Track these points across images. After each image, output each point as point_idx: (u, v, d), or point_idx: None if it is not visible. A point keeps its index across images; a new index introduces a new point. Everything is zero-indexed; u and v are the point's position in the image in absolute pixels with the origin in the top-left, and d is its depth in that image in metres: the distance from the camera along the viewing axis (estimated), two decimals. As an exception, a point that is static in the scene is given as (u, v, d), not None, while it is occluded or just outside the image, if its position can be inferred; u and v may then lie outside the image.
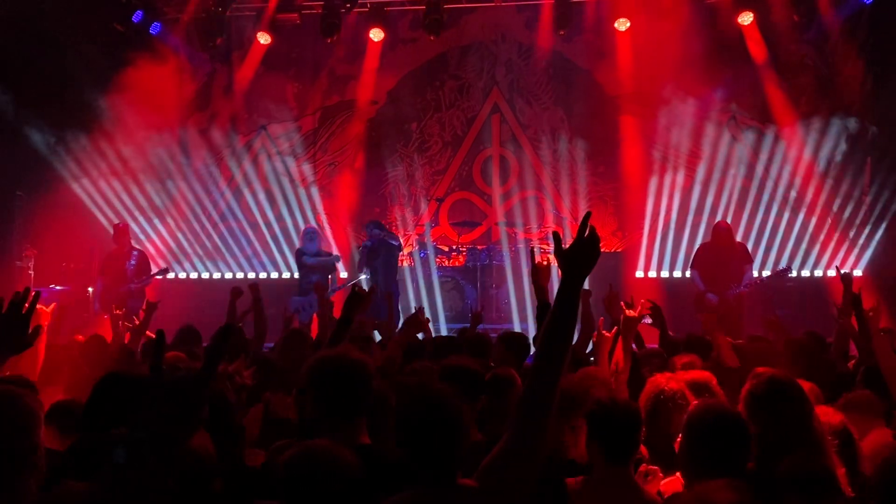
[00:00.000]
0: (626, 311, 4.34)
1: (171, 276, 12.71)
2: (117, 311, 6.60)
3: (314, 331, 9.65)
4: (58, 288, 11.41)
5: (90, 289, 11.53)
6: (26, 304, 2.58)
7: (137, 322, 6.14)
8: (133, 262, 10.35)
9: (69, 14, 10.76)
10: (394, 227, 13.23)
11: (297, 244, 11.86)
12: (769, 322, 6.73)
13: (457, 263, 12.31)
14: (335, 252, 12.16)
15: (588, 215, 2.53)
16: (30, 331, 2.60)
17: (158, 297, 10.75)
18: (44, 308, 4.75)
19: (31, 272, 11.08)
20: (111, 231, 12.43)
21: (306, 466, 2.30)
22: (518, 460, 2.27)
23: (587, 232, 2.45)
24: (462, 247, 12.45)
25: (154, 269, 10.73)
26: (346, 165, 13.32)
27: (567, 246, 2.46)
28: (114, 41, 12.14)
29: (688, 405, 3.34)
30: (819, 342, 5.47)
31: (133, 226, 12.70)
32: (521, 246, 12.41)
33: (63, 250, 11.91)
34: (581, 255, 2.43)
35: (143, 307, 6.65)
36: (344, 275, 12.35)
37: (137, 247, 11.10)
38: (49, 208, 11.54)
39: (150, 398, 1.84)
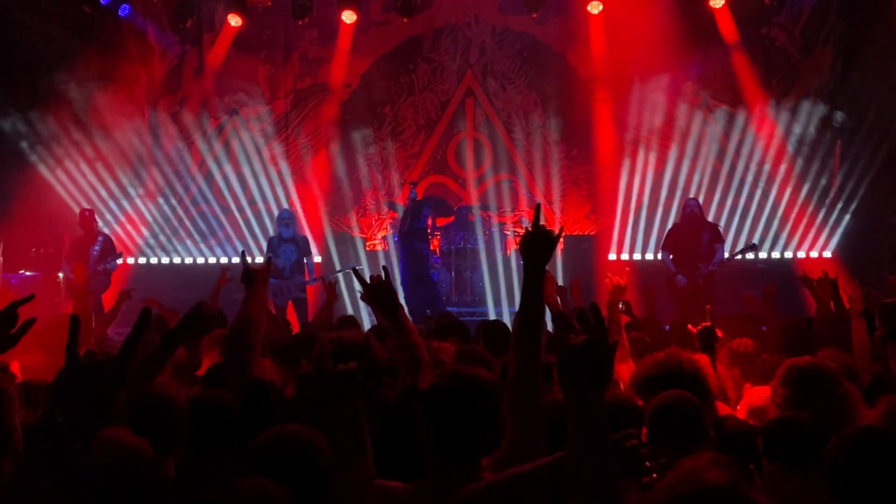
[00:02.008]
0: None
1: (142, 260, 12.63)
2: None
3: (291, 315, 9.68)
4: (28, 274, 11.29)
5: (60, 274, 11.42)
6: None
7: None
8: (97, 247, 10.24)
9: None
10: (367, 212, 13.21)
11: (272, 229, 11.79)
12: (765, 294, 6.68)
13: (431, 247, 12.30)
14: (308, 235, 12.06)
15: (538, 207, 2.74)
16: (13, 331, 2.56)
17: (129, 282, 10.77)
18: None
19: (0, 258, 10.93)
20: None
21: None
22: (522, 450, 2.30)
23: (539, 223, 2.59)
24: (436, 232, 12.45)
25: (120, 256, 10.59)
26: (320, 149, 13.24)
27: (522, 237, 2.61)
28: (82, 23, 11.96)
29: None
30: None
31: (104, 210, 12.59)
32: (495, 229, 12.43)
33: (33, 236, 11.77)
34: (537, 244, 2.57)
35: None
36: (318, 259, 12.30)
37: (104, 231, 10.98)
38: (18, 193, 11.40)
39: (64, 384, 1.80)
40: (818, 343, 4.50)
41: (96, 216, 10.90)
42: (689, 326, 4.42)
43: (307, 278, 10.25)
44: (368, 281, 3.41)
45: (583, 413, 1.79)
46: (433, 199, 11.58)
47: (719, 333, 4.46)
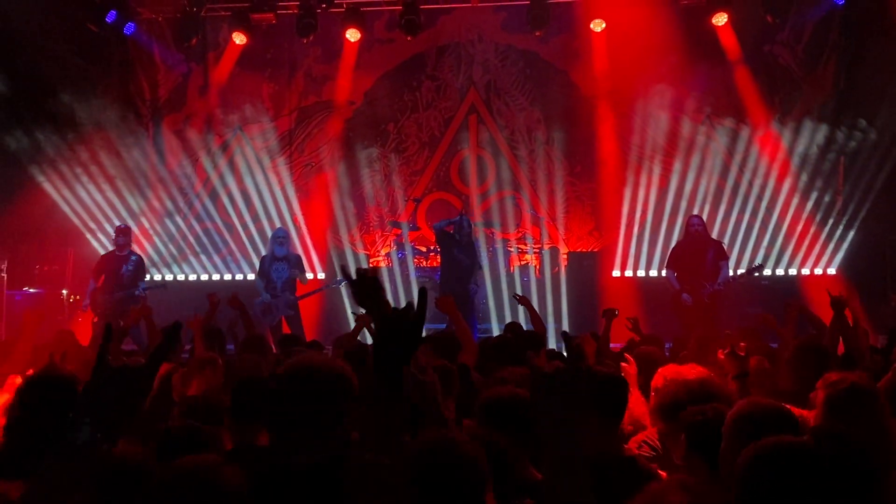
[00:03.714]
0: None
1: (146, 277, 12.62)
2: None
3: (286, 329, 9.68)
4: (31, 291, 11.30)
5: (64, 291, 11.45)
6: None
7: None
8: (130, 266, 10.05)
9: (42, 14, 10.65)
10: (371, 229, 13.22)
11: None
12: (788, 314, 6.53)
13: (435, 264, 12.28)
14: (312, 251, 12.07)
15: (424, 291, 2.00)
16: None
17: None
18: None
19: (4, 275, 10.95)
20: (85, 233, 12.39)
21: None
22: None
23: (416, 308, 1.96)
24: (439, 248, 12.44)
25: (147, 277, 10.46)
26: (323, 166, 13.28)
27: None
28: (88, 41, 12.03)
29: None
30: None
31: (108, 228, 12.61)
32: (499, 246, 12.43)
33: (37, 253, 11.79)
34: (400, 332, 1.93)
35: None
36: (322, 276, 12.32)
37: (137, 251, 10.78)
38: (23, 211, 11.43)
39: (93, 385, 1.86)
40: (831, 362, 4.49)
41: (132, 233, 10.75)
42: (720, 353, 4.35)
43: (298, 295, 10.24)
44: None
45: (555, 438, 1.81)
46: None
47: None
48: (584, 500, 1.78)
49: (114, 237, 10.38)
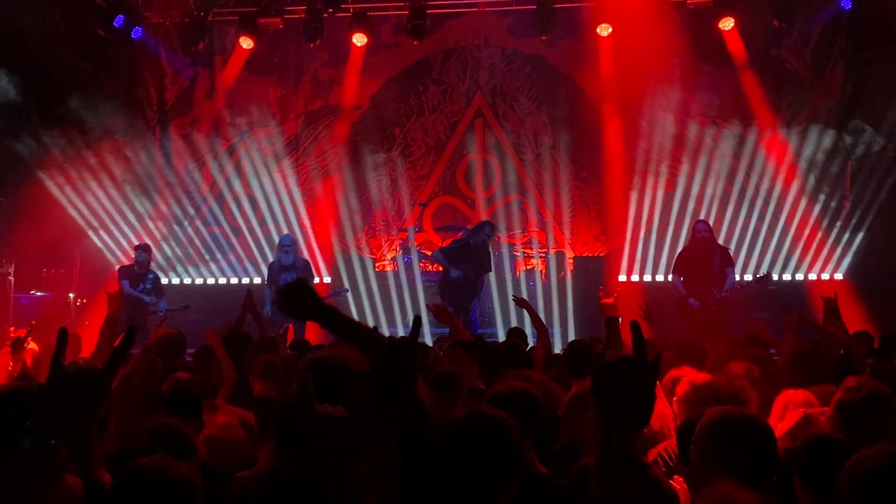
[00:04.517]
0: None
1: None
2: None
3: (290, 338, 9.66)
4: (38, 294, 11.34)
5: (71, 294, 11.49)
6: None
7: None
8: (148, 285, 10.27)
9: (50, 19, 10.68)
10: (377, 233, 13.23)
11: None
12: (787, 323, 6.50)
13: (441, 268, 12.30)
14: (318, 256, 12.05)
15: (418, 319, 2.10)
16: None
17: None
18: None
19: (12, 278, 10.98)
20: (92, 237, 12.42)
21: None
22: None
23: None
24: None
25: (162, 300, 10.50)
26: (330, 170, 13.30)
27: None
28: (95, 45, 12.07)
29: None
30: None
31: (114, 231, 12.67)
32: (505, 251, 12.43)
33: (44, 256, 11.82)
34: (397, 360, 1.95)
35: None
36: (328, 280, 12.33)
37: (154, 270, 10.92)
38: (30, 214, 11.46)
39: (47, 390, 1.87)
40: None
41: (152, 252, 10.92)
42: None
43: None
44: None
45: (611, 434, 1.73)
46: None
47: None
48: (634, 498, 1.74)
49: (133, 254, 10.56)
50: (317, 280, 12.16)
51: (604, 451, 1.73)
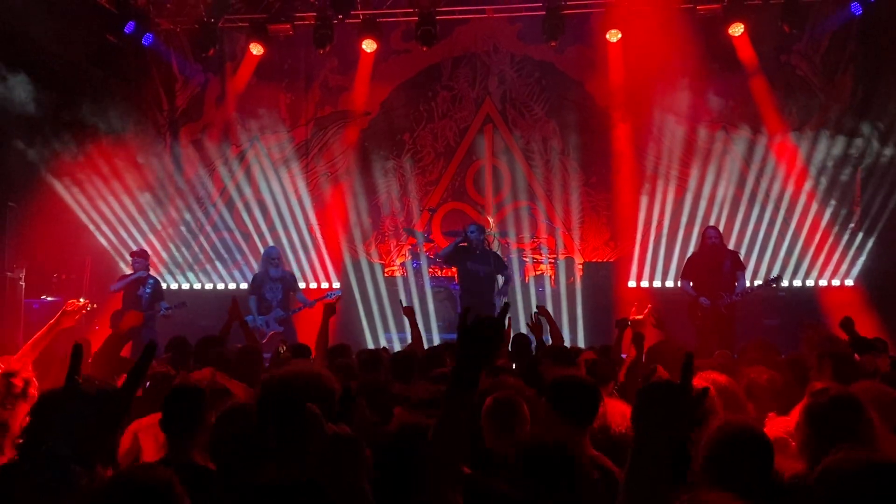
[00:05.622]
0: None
1: (163, 286, 12.68)
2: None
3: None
4: (49, 299, 11.36)
5: (81, 299, 11.46)
6: None
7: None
8: (148, 290, 10.25)
9: (61, 25, 10.74)
10: (386, 238, 13.24)
11: (291, 256, 11.88)
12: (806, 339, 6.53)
13: (449, 273, 12.28)
14: (294, 271, 11.96)
15: (507, 306, 2.30)
16: None
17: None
18: None
19: (23, 283, 11.02)
20: (103, 242, 12.47)
21: None
22: None
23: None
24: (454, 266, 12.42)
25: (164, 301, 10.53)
26: (339, 176, 13.33)
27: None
28: (106, 52, 12.13)
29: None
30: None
31: (125, 237, 12.71)
32: (514, 256, 12.41)
33: (55, 261, 11.86)
34: (483, 336, 2.07)
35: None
36: (337, 284, 12.34)
37: (153, 275, 10.91)
38: (41, 219, 11.50)
39: (65, 411, 1.84)
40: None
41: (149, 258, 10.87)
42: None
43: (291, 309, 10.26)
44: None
45: (647, 453, 1.77)
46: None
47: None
48: None
49: (131, 261, 10.57)
50: (336, 285, 12.21)
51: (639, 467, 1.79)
